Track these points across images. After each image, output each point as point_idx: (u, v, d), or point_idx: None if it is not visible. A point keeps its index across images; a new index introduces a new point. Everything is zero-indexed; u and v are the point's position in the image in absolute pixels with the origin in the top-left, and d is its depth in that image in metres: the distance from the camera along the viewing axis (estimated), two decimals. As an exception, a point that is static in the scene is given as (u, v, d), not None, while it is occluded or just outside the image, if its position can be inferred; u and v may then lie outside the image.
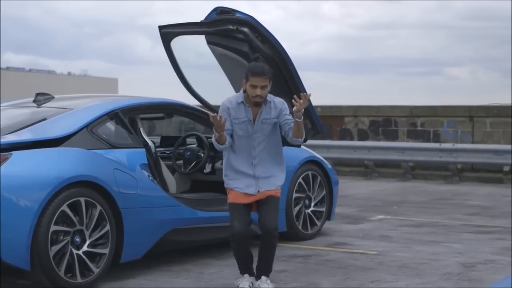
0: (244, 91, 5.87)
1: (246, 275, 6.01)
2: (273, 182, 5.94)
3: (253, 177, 5.87)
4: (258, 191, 5.87)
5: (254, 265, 6.04)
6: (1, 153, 5.67)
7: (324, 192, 8.42)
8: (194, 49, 7.75)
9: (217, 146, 5.81)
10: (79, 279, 5.81)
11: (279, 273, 6.47)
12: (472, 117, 16.31)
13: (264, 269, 5.96)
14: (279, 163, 6.03)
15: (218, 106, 6.43)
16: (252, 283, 6.00)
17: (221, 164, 7.60)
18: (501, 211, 10.83)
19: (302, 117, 5.74)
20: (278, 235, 5.89)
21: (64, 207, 5.75)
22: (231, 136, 5.87)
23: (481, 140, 16.09)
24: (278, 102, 5.96)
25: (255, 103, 5.83)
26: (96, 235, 5.97)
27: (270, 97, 5.94)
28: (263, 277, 5.94)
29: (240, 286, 5.96)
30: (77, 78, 77.27)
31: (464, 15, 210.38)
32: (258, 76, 5.76)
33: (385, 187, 14.39)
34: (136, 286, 6.11)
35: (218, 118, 5.59)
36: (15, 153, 5.74)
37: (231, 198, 5.90)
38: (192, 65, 7.95)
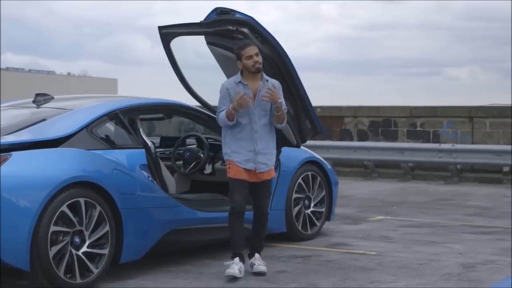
0: (241, 73, 6.35)
1: (237, 259, 6.33)
2: (269, 159, 6.43)
3: (253, 152, 6.32)
4: (256, 168, 6.31)
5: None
6: (1, 154, 5.67)
7: (323, 192, 8.41)
8: (194, 49, 7.75)
9: (225, 122, 6.28)
10: (78, 280, 5.81)
11: (278, 274, 6.47)
12: (471, 117, 16.30)
13: (257, 245, 6.56)
14: (274, 144, 6.53)
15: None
16: (241, 268, 6.30)
17: (221, 164, 7.63)
18: (501, 212, 10.83)
19: (281, 111, 6.34)
20: (268, 214, 6.56)
21: (64, 208, 5.75)
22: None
23: (480, 141, 16.08)
24: (275, 82, 6.49)
25: (257, 70, 6.30)
26: (96, 235, 5.97)
27: (268, 77, 6.45)
28: (256, 255, 6.48)
29: (229, 268, 6.25)
30: (77, 79, 77.26)
31: (463, 15, 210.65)
32: (248, 46, 6.33)
33: (385, 188, 14.39)
34: (135, 286, 6.11)
35: (245, 97, 6.17)
36: (14, 154, 5.73)
37: (232, 173, 6.35)
38: (191, 66, 7.95)
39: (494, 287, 3.74)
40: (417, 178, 16.08)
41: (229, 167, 6.39)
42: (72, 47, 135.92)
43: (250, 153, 6.31)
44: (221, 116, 6.29)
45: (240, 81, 6.33)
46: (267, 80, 6.39)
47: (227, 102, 6.31)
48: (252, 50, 6.30)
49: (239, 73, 6.39)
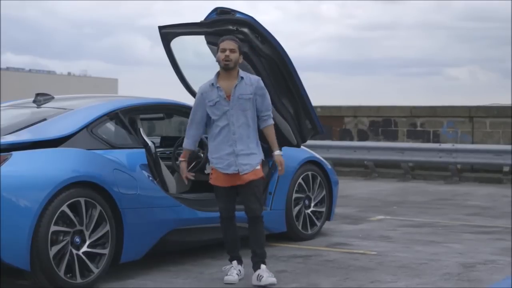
0: (218, 75, 6.15)
1: (234, 262, 6.24)
2: (252, 159, 6.11)
3: (233, 154, 6.05)
4: (238, 171, 6.04)
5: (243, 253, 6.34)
6: (1, 154, 5.67)
7: (324, 192, 8.42)
8: (194, 49, 7.74)
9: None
10: (79, 279, 5.81)
11: (279, 273, 6.46)
12: (471, 117, 16.31)
13: (260, 254, 6.14)
14: (257, 142, 6.22)
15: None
16: (240, 271, 6.20)
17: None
18: (501, 212, 10.83)
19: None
20: (262, 217, 6.18)
21: (64, 208, 5.75)
22: (210, 119, 6.14)
23: (480, 141, 16.09)
24: (254, 79, 6.19)
25: (225, 67, 6.06)
26: (96, 235, 5.97)
27: (246, 74, 6.19)
28: (263, 266, 6.11)
29: (228, 274, 6.17)
30: (77, 79, 77.27)
31: (463, 15, 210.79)
32: (227, 40, 6.12)
33: (385, 188, 14.39)
34: (135, 286, 6.11)
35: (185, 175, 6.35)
36: (15, 154, 5.73)
37: (213, 179, 6.21)
38: (191, 66, 7.94)
39: (494, 287, 3.75)
40: (417, 178, 16.09)
41: (211, 173, 6.24)
42: (72, 47, 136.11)
43: (230, 157, 6.05)
44: (185, 141, 6.34)
45: (213, 84, 6.12)
46: (242, 78, 6.10)
47: (200, 109, 6.14)
48: (228, 44, 6.06)
49: (215, 73, 6.19)
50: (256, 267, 6.11)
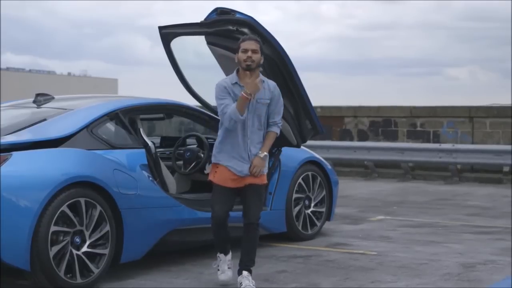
0: (237, 72, 5.93)
1: (222, 255, 6.09)
2: None
3: (245, 157, 5.88)
4: (249, 174, 5.89)
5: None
6: (1, 154, 5.67)
7: (324, 192, 8.42)
8: (194, 49, 7.75)
9: (237, 117, 5.75)
10: (79, 280, 5.81)
11: (279, 274, 6.47)
12: (472, 117, 16.31)
13: (246, 261, 5.95)
14: None
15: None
16: (230, 262, 6.09)
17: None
18: (501, 212, 10.83)
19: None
20: (259, 225, 5.97)
21: (64, 208, 5.75)
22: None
23: (481, 141, 16.09)
24: (272, 85, 6.03)
25: (247, 68, 5.84)
26: (96, 235, 5.97)
27: (265, 78, 6.03)
28: (244, 272, 5.93)
29: (222, 274, 6.08)
30: (77, 79, 77.25)
31: (463, 15, 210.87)
32: (249, 40, 5.91)
33: (385, 188, 14.39)
34: (135, 286, 6.11)
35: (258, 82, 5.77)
36: (15, 154, 5.74)
37: (217, 178, 5.94)
38: (191, 66, 7.95)
39: (494, 287, 3.75)
40: (417, 178, 16.08)
41: (215, 171, 5.96)
42: (72, 47, 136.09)
43: (241, 159, 5.87)
44: (232, 110, 5.73)
45: (236, 82, 5.90)
46: (263, 81, 5.94)
47: (227, 96, 5.83)
48: (250, 45, 5.85)
49: (234, 72, 5.98)
50: (239, 272, 5.98)
